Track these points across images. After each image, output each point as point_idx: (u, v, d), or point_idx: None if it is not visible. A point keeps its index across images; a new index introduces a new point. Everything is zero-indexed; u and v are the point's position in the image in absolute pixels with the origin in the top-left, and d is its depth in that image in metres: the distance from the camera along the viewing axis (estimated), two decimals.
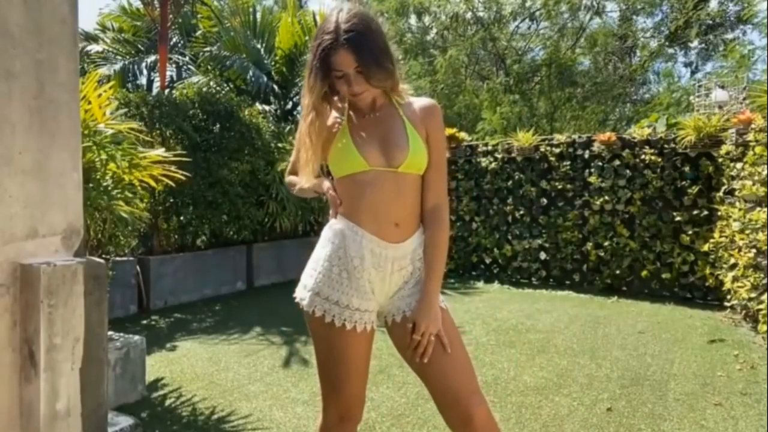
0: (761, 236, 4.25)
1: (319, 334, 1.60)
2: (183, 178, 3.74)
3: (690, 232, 5.65)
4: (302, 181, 1.68)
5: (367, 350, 1.63)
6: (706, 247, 5.45)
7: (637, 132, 6.14)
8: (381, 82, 1.52)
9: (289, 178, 1.88)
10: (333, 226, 1.63)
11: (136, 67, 10.00)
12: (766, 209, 4.27)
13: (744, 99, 7.48)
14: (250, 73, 8.36)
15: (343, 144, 1.57)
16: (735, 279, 4.75)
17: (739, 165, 4.90)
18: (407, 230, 1.60)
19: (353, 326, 1.55)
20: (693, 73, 17.66)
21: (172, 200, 5.71)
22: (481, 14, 17.92)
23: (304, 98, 1.59)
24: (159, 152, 3.51)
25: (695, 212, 5.63)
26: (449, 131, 7.02)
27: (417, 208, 1.63)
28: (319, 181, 1.69)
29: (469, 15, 17.99)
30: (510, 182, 6.83)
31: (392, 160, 1.55)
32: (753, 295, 4.36)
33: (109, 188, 3.15)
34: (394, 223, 1.57)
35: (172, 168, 3.53)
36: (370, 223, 1.57)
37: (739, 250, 4.66)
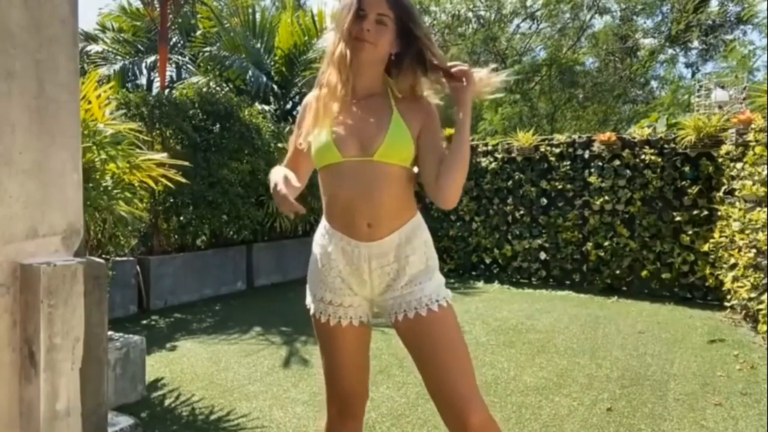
0: (761, 236, 4.25)
1: (315, 330, 1.67)
2: (182, 180, 3.75)
3: (690, 232, 5.65)
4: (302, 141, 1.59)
5: (356, 344, 1.62)
6: (706, 247, 5.45)
7: (637, 132, 6.14)
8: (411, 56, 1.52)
9: (275, 171, 1.57)
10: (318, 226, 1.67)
11: (136, 67, 10.00)
12: (766, 209, 4.27)
13: (744, 99, 7.48)
14: (250, 73, 8.37)
15: (322, 134, 1.52)
16: (735, 279, 4.75)
17: (739, 165, 4.90)
18: (383, 229, 1.51)
19: (327, 319, 1.59)
20: (694, 74, 17.68)
21: (172, 200, 5.71)
22: (481, 13, 17.92)
23: (334, 34, 1.53)
24: (160, 156, 3.52)
25: (695, 212, 5.63)
26: (449, 131, 7.00)
27: (401, 204, 1.53)
28: (288, 187, 1.46)
29: (469, 14, 17.99)
30: (510, 182, 6.83)
31: (367, 148, 1.48)
32: (753, 295, 4.36)
33: (109, 188, 3.15)
34: (366, 223, 1.49)
35: (172, 171, 3.54)
36: (340, 221, 1.54)
37: (739, 250, 4.66)
